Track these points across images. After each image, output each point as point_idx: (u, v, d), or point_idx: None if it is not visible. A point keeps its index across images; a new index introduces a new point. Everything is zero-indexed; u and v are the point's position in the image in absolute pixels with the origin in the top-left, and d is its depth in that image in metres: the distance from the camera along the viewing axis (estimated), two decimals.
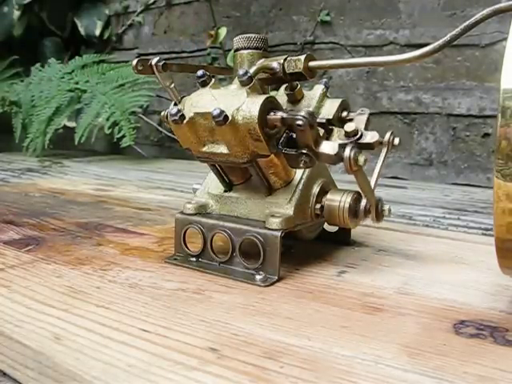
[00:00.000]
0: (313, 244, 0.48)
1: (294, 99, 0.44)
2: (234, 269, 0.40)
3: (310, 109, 0.42)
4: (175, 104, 0.41)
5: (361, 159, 0.36)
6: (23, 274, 0.40)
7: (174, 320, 0.32)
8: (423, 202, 0.76)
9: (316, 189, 0.43)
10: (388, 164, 1.08)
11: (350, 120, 0.40)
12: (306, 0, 1.20)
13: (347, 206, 0.41)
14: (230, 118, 0.37)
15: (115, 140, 1.21)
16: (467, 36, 0.36)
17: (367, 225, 0.52)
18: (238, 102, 0.38)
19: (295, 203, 0.41)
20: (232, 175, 0.44)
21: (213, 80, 0.41)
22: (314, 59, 0.42)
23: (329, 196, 0.42)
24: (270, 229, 0.39)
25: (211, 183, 0.46)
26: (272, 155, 0.39)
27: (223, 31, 1.19)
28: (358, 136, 0.37)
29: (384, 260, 0.45)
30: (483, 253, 0.46)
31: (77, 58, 1.45)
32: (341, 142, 0.37)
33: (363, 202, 0.41)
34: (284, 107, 0.42)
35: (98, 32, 1.59)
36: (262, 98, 0.37)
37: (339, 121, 0.42)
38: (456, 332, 0.31)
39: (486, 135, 0.98)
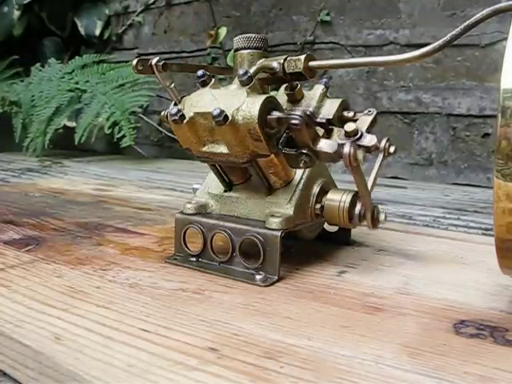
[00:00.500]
0: (313, 244, 0.48)
1: (294, 99, 0.44)
2: (234, 269, 0.40)
3: (310, 109, 0.42)
4: (175, 104, 0.41)
5: (360, 155, 0.36)
6: (23, 274, 0.40)
7: (174, 320, 0.32)
8: (423, 202, 0.76)
9: (316, 189, 0.43)
10: (388, 164, 1.08)
11: (355, 120, 0.40)
12: (306, 0, 1.20)
13: (347, 205, 0.41)
14: (230, 117, 0.37)
15: (115, 140, 1.21)
16: (467, 36, 0.36)
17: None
18: (238, 101, 0.38)
19: (295, 203, 0.41)
20: (232, 175, 0.44)
21: (213, 80, 0.41)
22: (314, 59, 0.42)
23: (329, 196, 0.42)
24: (270, 229, 0.39)
25: (211, 183, 0.46)
26: (272, 155, 0.39)
27: (223, 31, 1.19)
28: (357, 136, 0.37)
29: (384, 260, 0.45)
30: (483, 253, 0.46)
31: (77, 57, 1.45)
32: (340, 141, 0.37)
33: (358, 206, 0.40)
34: (284, 107, 0.42)
35: (98, 32, 1.59)
36: (262, 97, 0.37)
37: (339, 121, 0.42)
38: (456, 332, 0.31)
39: (486, 135, 0.98)
